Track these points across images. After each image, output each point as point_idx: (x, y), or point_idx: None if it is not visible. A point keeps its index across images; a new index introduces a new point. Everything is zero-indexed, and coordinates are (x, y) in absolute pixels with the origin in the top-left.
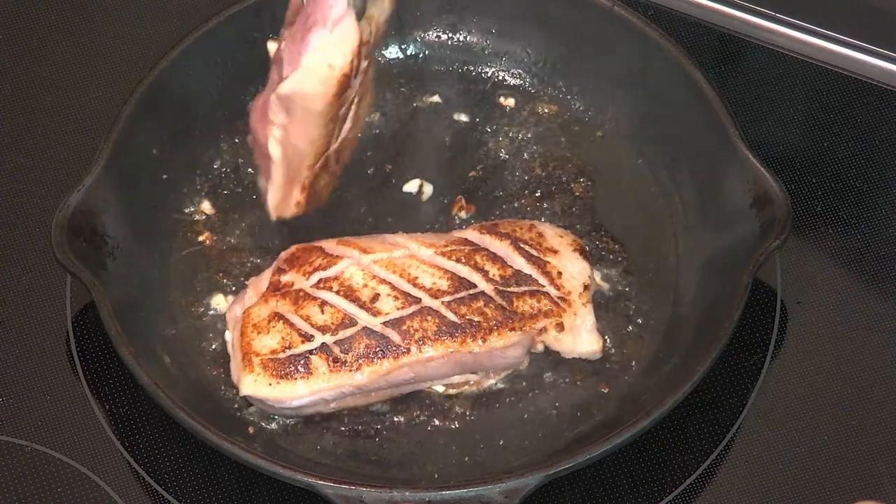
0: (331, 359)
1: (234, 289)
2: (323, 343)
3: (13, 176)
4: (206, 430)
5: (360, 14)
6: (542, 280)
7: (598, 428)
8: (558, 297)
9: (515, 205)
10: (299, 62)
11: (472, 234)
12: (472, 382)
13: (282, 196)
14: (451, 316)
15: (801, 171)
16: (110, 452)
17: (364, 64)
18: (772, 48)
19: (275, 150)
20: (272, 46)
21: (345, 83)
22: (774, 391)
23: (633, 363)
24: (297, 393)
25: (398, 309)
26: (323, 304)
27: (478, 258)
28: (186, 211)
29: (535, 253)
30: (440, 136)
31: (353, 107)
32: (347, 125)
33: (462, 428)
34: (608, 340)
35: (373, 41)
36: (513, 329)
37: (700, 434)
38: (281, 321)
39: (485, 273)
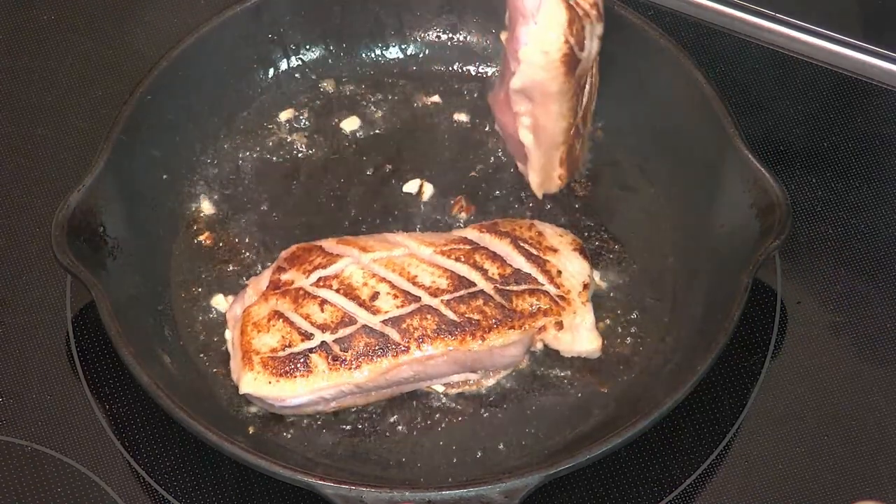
0: (330, 357)
1: (234, 288)
2: (322, 341)
3: (13, 176)
4: (206, 430)
5: None
6: (542, 279)
7: (598, 428)
8: (558, 296)
9: (515, 204)
10: (518, 57)
11: (471, 233)
12: (471, 382)
13: (543, 176)
14: (450, 314)
15: (801, 171)
16: (110, 452)
17: (598, 28)
18: (772, 48)
19: (526, 137)
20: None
21: (569, 61)
22: (774, 391)
23: (633, 363)
24: (297, 391)
25: (398, 307)
26: (323, 302)
27: (477, 257)
28: (186, 211)
29: (534, 252)
30: (440, 136)
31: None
32: (587, 88)
33: (462, 428)
34: (607, 340)
35: None
36: (512, 327)
37: (700, 434)
38: (281, 320)
39: (484, 272)
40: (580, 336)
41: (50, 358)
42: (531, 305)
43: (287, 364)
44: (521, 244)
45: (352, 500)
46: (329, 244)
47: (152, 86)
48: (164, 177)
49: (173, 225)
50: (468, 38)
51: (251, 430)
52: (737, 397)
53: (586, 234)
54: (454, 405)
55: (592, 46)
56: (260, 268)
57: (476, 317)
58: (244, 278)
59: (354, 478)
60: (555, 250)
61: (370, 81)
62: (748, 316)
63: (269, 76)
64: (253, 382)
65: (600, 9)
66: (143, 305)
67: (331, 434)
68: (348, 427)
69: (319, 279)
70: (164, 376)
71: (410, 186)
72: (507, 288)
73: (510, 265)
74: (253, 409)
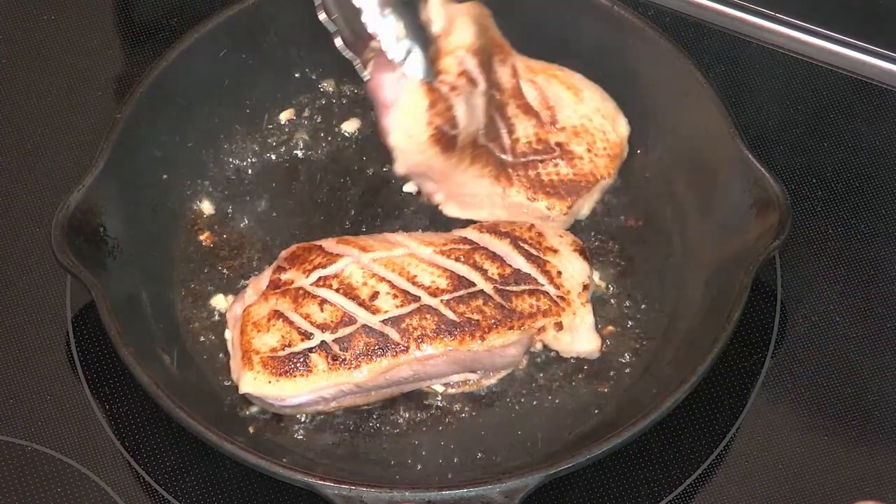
0: (330, 357)
1: (234, 288)
2: (322, 341)
3: (13, 176)
4: (206, 430)
5: (428, 73)
6: (542, 279)
7: (598, 428)
8: (557, 297)
9: None
10: (390, 145)
11: (471, 233)
12: (471, 382)
13: (517, 215)
14: (450, 314)
15: (801, 171)
16: (110, 452)
17: (476, 90)
18: (772, 48)
19: (453, 210)
20: None
21: (441, 140)
22: (774, 391)
23: (633, 363)
24: (297, 391)
25: (397, 307)
26: (322, 302)
27: (477, 257)
28: (187, 210)
29: (534, 252)
30: None
31: (483, 100)
32: (508, 123)
33: (462, 428)
34: (607, 340)
35: (477, 48)
36: (511, 328)
37: (700, 434)
38: (280, 319)
39: (484, 272)
40: (580, 336)
41: (50, 358)
42: (531, 306)
43: (287, 364)
44: (521, 244)
45: (352, 500)
46: (329, 244)
47: (152, 86)
48: (164, 177)
49: (173, 225)
50: None
51: (251, 430)
52: (737, 397)
53: (586, 234)
54: (454, 405)
55: (475, 109)
56: (260, 268)
57: (475, 317)
58: (244, 278)
59: (354, 478)
60: (555, 251)
61: None
62: (748, 316)
63: (270, 76)
64: (253, 382)
65: (473, 74)
66: (143, 305)
67: (331, 434)
68: (348, 427)
69: (319, 279)
70: (164, 376)
71: (410, 186)
72: (507, 288)
73: (510, 265)
74: (253, 409)
